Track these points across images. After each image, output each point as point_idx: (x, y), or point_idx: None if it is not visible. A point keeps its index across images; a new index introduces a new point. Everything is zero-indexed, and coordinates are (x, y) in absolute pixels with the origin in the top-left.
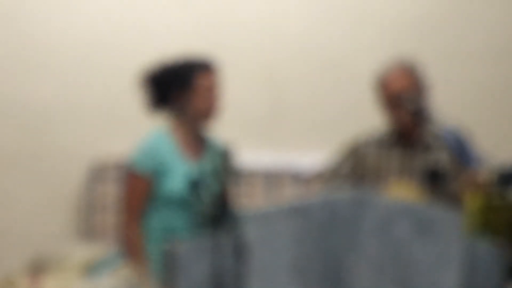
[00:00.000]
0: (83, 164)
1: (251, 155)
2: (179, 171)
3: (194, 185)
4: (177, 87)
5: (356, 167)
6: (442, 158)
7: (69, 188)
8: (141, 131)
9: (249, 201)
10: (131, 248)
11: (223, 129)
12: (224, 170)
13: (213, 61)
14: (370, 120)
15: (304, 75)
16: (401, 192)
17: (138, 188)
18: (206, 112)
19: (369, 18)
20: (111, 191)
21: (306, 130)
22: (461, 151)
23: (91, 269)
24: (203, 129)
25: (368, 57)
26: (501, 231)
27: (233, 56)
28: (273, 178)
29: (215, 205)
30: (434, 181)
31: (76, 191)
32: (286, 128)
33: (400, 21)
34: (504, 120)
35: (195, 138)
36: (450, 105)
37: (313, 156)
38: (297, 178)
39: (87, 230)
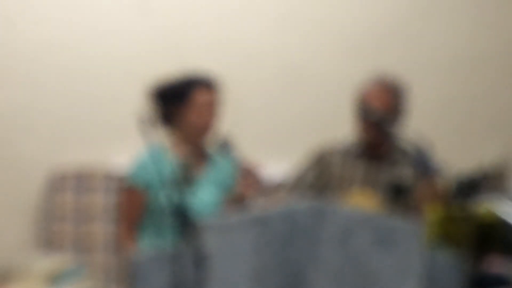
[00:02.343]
0: (42, 173)
1: None
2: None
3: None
4: (175, 102)
5: (321, 176)
6: (407, 174)
7: (27, 198)
8: (100, 140)
9: None
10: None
11: None
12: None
13: (215, 79)
14: (332, 129)
15: (263, 84)
16: (361, 201)
17: (133, 202)
18: (202, 127)
19: (328, 26)
20: (70, 201)
21: (265, 141)
22: (422, 162)
23: (54, 280)
24: (201, 143)
25: (328, 65)
26: (460, 242)
27: (190, 65)
28: None
29: (176, 214)
30: (397, 195)
31: (34, 201)
32: (246, 139)
33: (360, 28)
34: (462, 132)
35: (196, 152)
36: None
37: (272, 167)
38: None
39: (46, 240)
